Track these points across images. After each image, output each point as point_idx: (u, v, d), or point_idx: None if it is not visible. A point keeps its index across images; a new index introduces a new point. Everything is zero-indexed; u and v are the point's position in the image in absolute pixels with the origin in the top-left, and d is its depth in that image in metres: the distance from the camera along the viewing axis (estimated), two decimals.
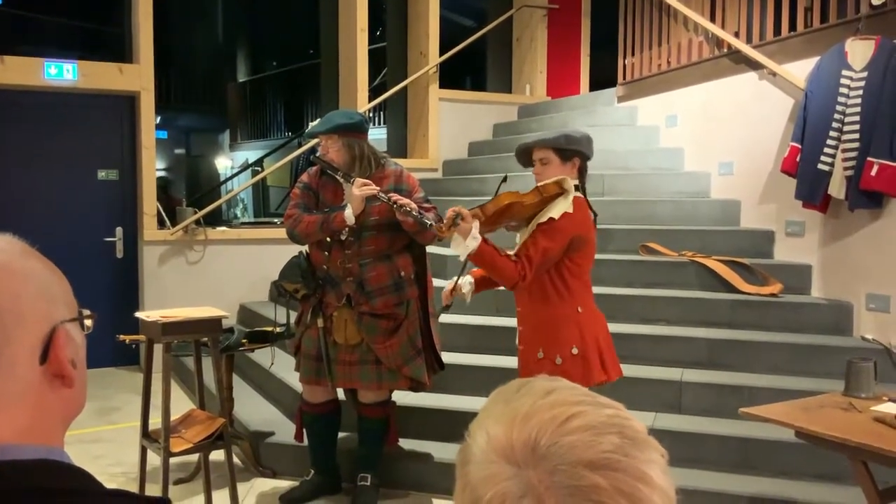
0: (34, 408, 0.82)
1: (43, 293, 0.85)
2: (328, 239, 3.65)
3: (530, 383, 0.75)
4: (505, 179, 3.11)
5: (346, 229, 3.59)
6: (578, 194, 3.06)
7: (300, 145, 7.74)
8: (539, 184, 3.04)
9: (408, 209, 3.42)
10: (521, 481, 0.65)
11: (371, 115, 9.03)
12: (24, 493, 0.76)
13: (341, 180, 3.63)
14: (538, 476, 0.65)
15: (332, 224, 3.55)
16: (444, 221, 2.94)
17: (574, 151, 3.06)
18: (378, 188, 3.52)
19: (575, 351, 2.98)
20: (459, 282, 3.23)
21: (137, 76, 6.34)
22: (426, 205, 3.62)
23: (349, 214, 3.51)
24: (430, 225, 3.38)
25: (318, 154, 3.75)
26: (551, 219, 2.96)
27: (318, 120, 3.79)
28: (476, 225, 2.90)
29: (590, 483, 0.64)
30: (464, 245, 2.89)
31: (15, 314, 0.81)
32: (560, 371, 2.90)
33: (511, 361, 4.24)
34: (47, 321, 0.84)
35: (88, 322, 0.92)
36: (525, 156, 3.21)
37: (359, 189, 3.49)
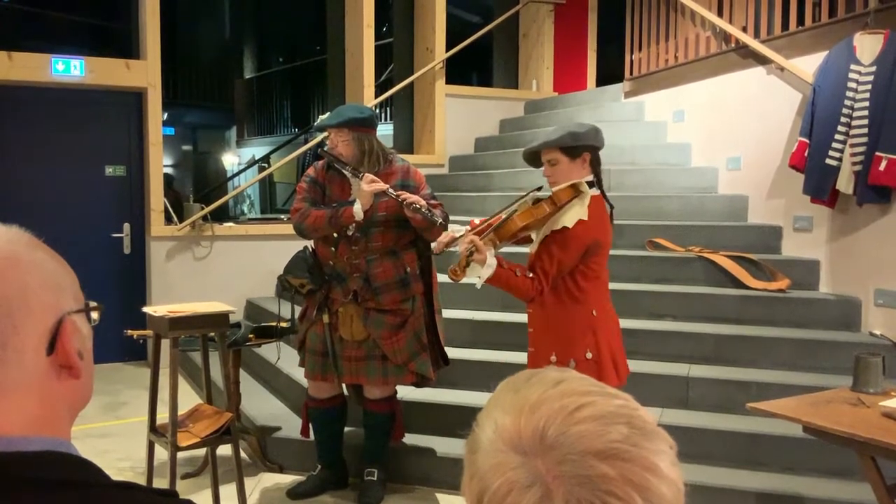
0: (41, 398, 0.83)
1: (50, 284, 0.85)
2: (335, 234, 3.65)
3: (540, 373, 0.75)
4: (540, 189, 3.07)
5: (354, 225, 3.59)
6: (594, 192, 3.00)
7: (306, 141, 7.74)
8: (553, 191, 2.96)
9: (417, 206, 3.42)
10: (529, 470, 0.65)
11: (377, 110, 9.03)
12: (31, 485, 0.76)
13: (349, 175, 3.63)
14: (546, 465, 0.65)
15: (340, 219, 3.55)
16: (459, 262, 2.81)
17: (582, 147, 2.98)
18: (387, 184, 3.52)
19: (589, 355, 2.94)
20: (457, 234, 3.02)
21: (145, 72, 6.35)
22: (433, 201, 3.62)
23: (358, 210, 3.51)
24: (440, 223, 3.39)
25: (325, 148, 3.74)
26: (565, 228, 2.88)
27: (327, 113, 3.79)
28: (491, 252, 2.85)
29: (598, 473, 0.64)
30: (480, 272, 2.84)
31: (22, 304, 0.81)
32: None
33: (515, 357, 4.25)
34: (55, 312, 0.84)
35: (95, 314, 0.92)
36: (533, 158, 3.14)
37: (368, 185, 3.49)
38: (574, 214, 2.90)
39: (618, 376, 2.98)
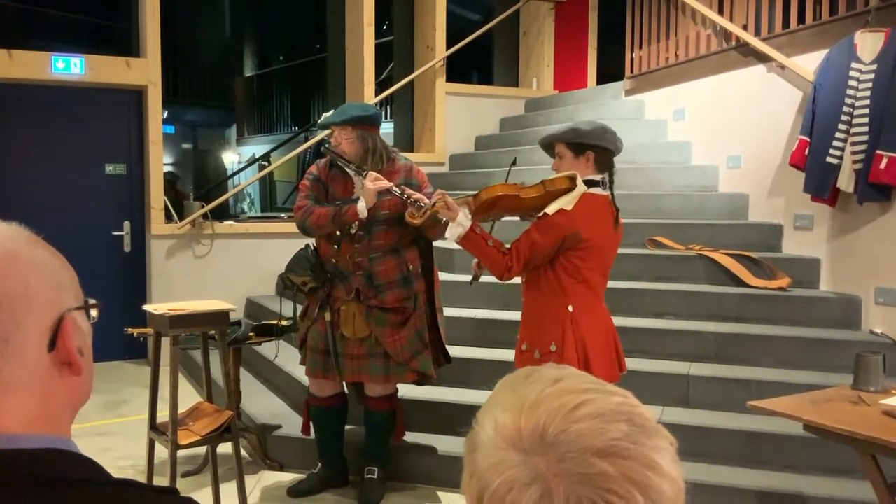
0: (42, 395, 0.83)
1: (50, 281, 0.85)
2: (338, 232, 3.65)
3: (538, 371, 0.74)
4: (514, 163, 3.13)
5: (357, 223, 3.59)
6: (594, 191, 2.99)
7: (307, 140, 7.74)
8: (545, 178, 3.01)
9: (421, 204, 3.43)
10: (530, 468, 0.65)
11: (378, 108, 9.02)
12: (32, 483, 0.76)
13: (352, 173, 3.63)
14: (546, 463, 0.65)
15: (343, 217, 3.55)
16: (422, 210, 2.97)
17: (585, 145, 3.00)
18: (391, 182, 3.52)
19: (553, 348, 2.93)
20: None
21: (145, 70, 6.35)
22: None
23: (362, 207, 3.50)
24: (443, 221, 3.39)
25: (328, 145, 3.73)
26: (545, 214, 2.93)
27: (331, 111, 3.78)
28: (465, 211, 2.92)
29: (598, 470, 0.64)
30: (451, 229, 2.95)
31: (24, 301, 0.81)
32: (536, 364, 2.85)
33: None
34: (55, 309, 0.84)
35: (94, 312, 0.92)
36: (548, 148, 3.20)
37: (372, 183, 3.49)
38: (559, 204, 2.94)
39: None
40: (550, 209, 2.93)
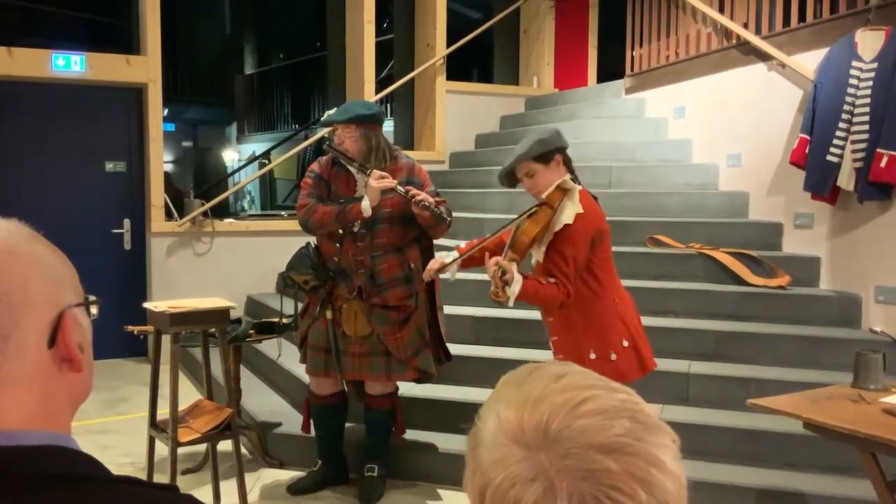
0: (42, 392, 0.82)
1: (50, 277, 0.85)
2: (340, 231, 3.64)
3: (541, 367, 0.74)
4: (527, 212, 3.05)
5: (360, 221, 3.58)
6: (579, 187, 3.04)
7: (307, 138, 7.74)
8: (545, 198, 2.99)
9: (425, 203, 3.42)
10: (532, 464, 0.65)
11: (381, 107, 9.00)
12: (31, 479, 0.76)
13: (355, 171, 3.62)
14: (549, 459, 0.65)
15: (347, 215, 3.54)
16: (495, 285, 2.77)
17: (552, 151, 3.03)
18: (395, 181, 3.52)
19: (626, 344, 3.00)
20: (447, 260, 3.10)
21: (145, 68, 6.34)
22: (437, 198, 3.62)
23: (366, 206, 3.50)
24: (447, 219, 3.40)
25: (331, 143, 3.72)
26: (566, 225, 2.93)
27: (334, 109, 3.78)
28: (514, 267, 2.84)
29: (602, 467, 0.64)
30: (509, 290, 2.78)
31: (24, 298, 0.81)
32: (615, 366, 2.92)
33: (517, 353, 4.26)
34: (55, 305, 0.84)
35: (94, 308, 0.92)
36: (509, 178, 3.15)
37: (376, 181, 3.48)
38: (570, 211, 2.95)
39: (650, 356, 3.08)
40: (568, 218, 2.93)
